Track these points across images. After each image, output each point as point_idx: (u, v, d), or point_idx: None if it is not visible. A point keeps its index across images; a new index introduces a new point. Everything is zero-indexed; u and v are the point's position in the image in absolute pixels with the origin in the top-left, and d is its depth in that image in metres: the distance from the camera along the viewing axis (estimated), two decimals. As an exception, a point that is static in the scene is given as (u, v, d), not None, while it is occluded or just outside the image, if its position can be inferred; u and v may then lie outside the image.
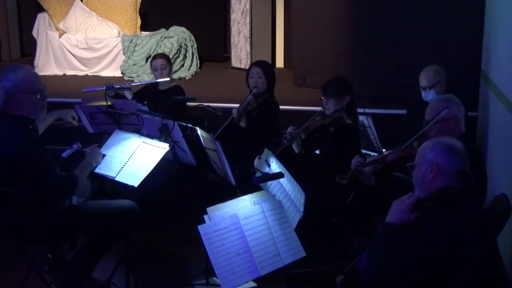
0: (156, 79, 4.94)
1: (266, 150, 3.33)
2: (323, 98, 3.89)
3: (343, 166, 3.35)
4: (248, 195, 2.72)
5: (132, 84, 4.84)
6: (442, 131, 3.05)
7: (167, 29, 8.17)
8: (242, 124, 4.40)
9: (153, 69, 4.99)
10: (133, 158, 3.51)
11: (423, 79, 4.25)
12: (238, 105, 4.53)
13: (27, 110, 3.17)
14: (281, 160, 3.21)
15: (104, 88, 4.42)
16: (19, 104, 3.14)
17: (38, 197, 3.12)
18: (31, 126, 3.20)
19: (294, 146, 3.78)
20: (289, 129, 3.78)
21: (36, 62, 8.06)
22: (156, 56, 5.07)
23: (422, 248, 2.14)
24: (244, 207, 2.66)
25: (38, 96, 3.20)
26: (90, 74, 8.01)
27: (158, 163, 3.44)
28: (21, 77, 3.16)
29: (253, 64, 4.66)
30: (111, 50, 8.02)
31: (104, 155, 3.54)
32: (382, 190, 3.22)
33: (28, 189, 3.09)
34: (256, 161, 3.46)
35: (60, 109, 3.84)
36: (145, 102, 4.40)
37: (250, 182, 3.01)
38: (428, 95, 4.22)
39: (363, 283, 2.28)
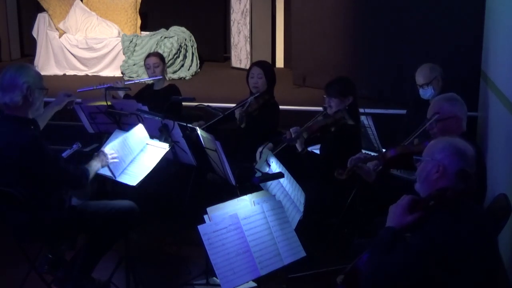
0: (149, 77, 4.96)
1: (266, 150, 3.33)
2: (325, 97, 3.90)
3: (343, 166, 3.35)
4: (248, 195, 2.72)
5: (126, 83, 4.83)
6: (444, 130, 3.03)
7: (167, 29, 8.17)
8: (243, 125, 4.40)
9: (146, 67, 5.01)
10: (133, 158, 3.51)
11: (419, 76, 4.25)
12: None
13: (36, 108, 3.17)
14: (281, 160, 3.21)
15: (99, 87, 4.39)
16: (33, 101, 3.12)
17: (38, 198, 3.12)
18: (32, 127, 3.19)
19: (297, 145, 3.78)
20: (292, 129, 3.78)
21: (36, 62, 8.06)
22: (149, 55, 5.08)
23: (423, 248, 2.13)
24: (244, 207, 2.66)
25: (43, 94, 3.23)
26: (90, 74, 8.00)
27: (158, 163, 3.44)
28: (37, 73, 3.21)
29: (253, 64, 4.64)
30: (111, 50, 8.02)
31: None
32: (382, 188, 3.22)
33: (29, 189, 3.09)
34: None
35: (53, 102, 3.71)
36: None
37: (250, 182, 3.01)
38: (426, 92, 4.23)
39: (364, 284, 2.27)
